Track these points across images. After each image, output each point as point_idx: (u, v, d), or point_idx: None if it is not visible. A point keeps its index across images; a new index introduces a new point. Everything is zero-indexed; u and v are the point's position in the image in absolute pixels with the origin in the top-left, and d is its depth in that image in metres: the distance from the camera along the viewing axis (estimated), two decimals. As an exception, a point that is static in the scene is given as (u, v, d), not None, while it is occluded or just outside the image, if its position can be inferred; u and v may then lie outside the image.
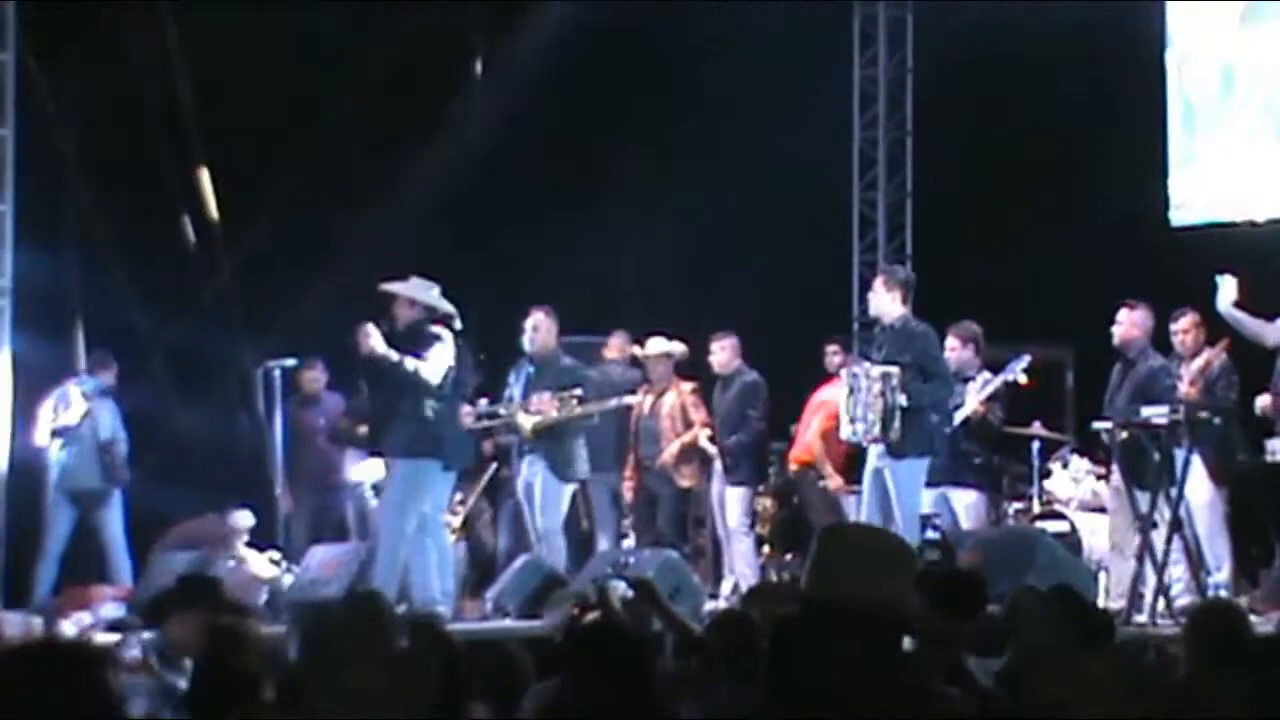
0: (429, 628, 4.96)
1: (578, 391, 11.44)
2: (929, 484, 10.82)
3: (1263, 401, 10.12)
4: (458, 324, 10.53)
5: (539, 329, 11.59)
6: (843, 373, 10.87)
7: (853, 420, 10.45)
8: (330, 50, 14.00)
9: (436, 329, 10.47)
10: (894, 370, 10.32)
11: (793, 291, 14.55)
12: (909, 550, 4.47)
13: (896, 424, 10.25)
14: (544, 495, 11.40)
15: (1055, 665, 4.58)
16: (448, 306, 10.53)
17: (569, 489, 11.58)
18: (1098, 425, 10.40)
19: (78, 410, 11.82)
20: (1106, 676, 4.42)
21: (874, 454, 10.47)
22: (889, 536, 4.37)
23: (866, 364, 10.55)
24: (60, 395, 11.89)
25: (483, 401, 11.83)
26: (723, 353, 12.23)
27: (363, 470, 11.96)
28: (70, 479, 11.79)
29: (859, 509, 10.77)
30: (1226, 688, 4.66)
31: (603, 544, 12.06)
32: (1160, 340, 10.68)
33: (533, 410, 11.39)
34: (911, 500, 10.38)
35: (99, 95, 13.66)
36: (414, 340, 10.41)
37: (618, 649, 4.90)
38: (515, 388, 11.66)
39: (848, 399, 10.51)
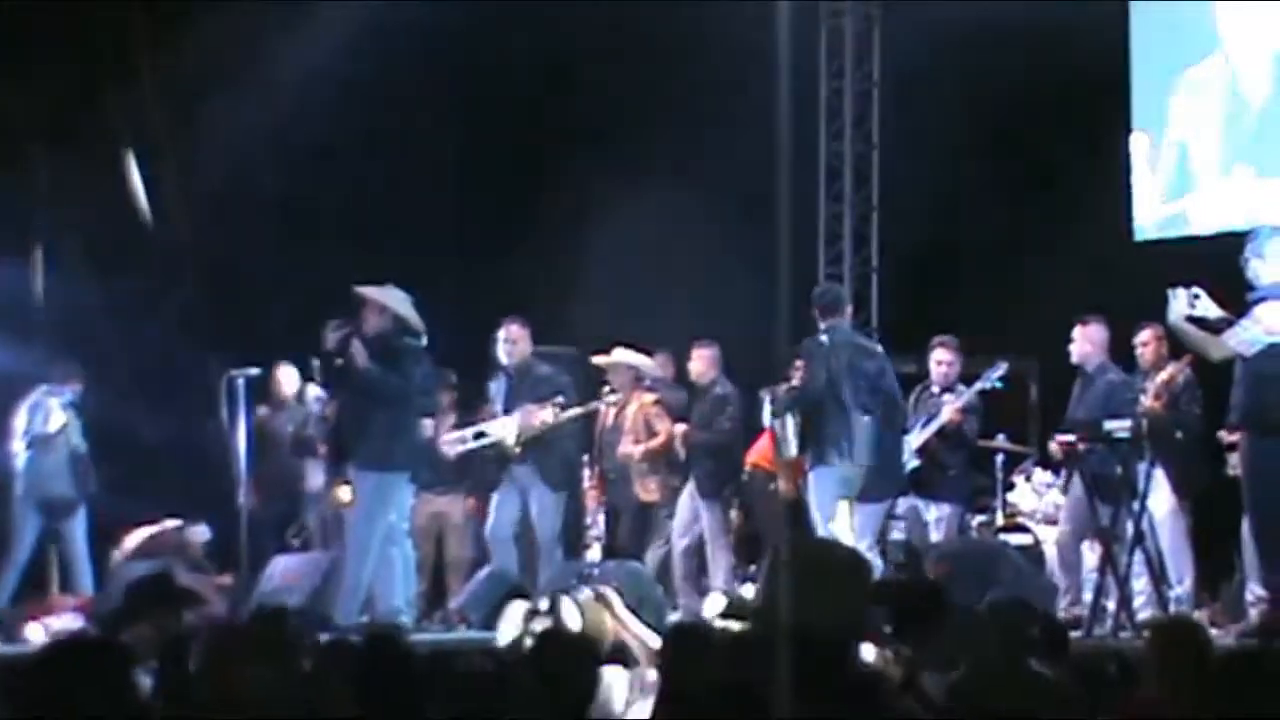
0: (389, 639, 4.96)
1: (559, 399, 11.42)
2: (901, 493, 10.94)
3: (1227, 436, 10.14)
4: (424, 340, 10.53)
5: (516, 340, 11.55)
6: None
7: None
8: (302, 54, 13.96)
9: (405, 340, 10.47)
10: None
11: (759, 300, 14.55)
12: (862, 564, 4.48)
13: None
14: (540, 508, 11.38)
15: (1007, 679, 4.59)
16: (418, 321, 10.52)
17: (562, 499, 11.57)
18: (1061, 438, 10.44)
19: (58, 420, 11.77)
20: (1060, 689, 4.43)
21: None
22: (841, 550, 4.38)
23: None
24: (33, 405, 11.82)
25: (462, 430, 11.87)
26: (699, 362, 12.21)
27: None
28: (41, 488, 11.74)
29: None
30: (1189, 703, 4.68)
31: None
32: (1124, 354, 10.72)
33: (523, 422, 11.36)
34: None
35: (63, 100, 13.61)
36: (380, 350, 10.40)
37: (559, 657, 4.91)
38: (497, 402, 11.63)
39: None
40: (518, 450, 11.37)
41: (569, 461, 11.71)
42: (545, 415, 11.34)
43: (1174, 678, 5.19)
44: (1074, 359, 10.68)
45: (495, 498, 11.55)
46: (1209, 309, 9.45)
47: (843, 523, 10.37)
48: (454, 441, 11.85)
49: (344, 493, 11.48)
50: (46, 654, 3.72)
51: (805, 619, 3.64)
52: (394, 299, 10.52)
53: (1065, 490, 11.04)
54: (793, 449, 10.72)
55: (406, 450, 10.40)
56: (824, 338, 10.58)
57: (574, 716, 4.62)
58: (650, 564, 11.90)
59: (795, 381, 10.81)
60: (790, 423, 10.70)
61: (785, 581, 3.77)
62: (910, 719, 4.06)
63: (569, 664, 4.82)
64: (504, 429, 11.42)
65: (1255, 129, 13.46)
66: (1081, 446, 10.21)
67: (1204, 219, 13.52)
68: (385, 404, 10.33)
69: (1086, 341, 10.65)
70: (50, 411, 11.76)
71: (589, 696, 4.71)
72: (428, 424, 11.14)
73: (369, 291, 10.50)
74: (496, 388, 11.66)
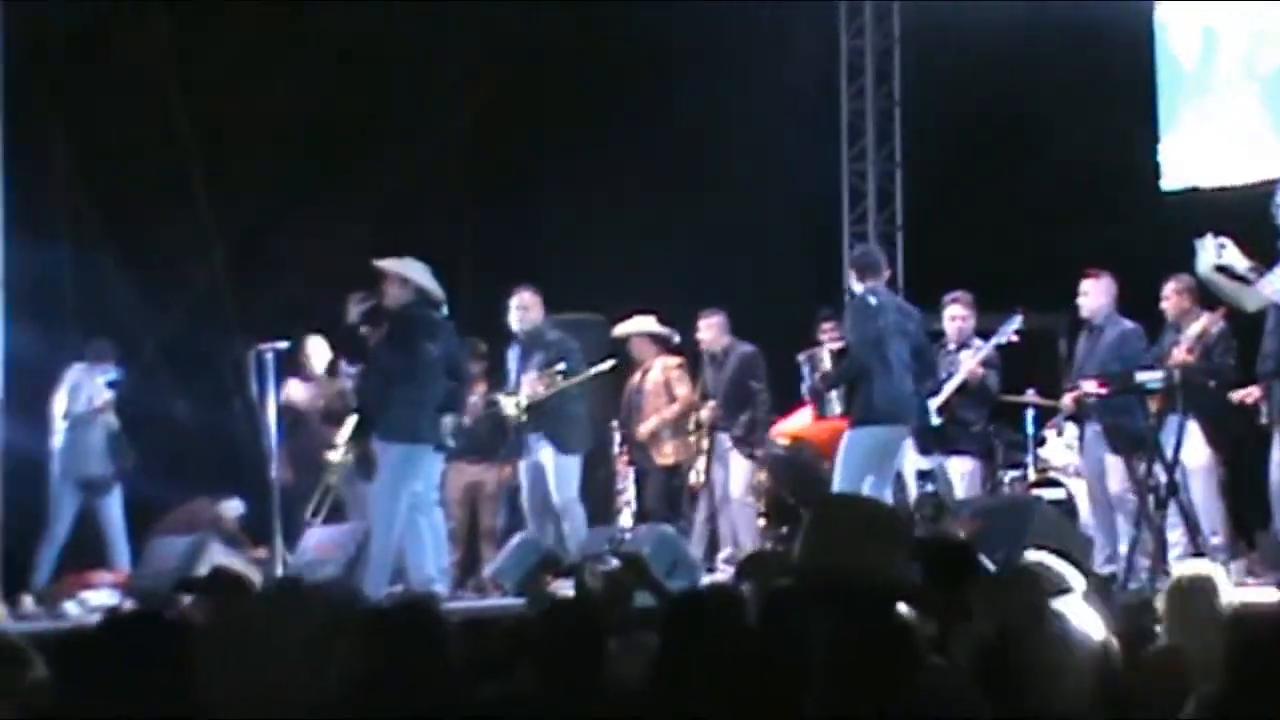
0: (421, 607, 4.97)
1: (561, 366, 11.44)
2: (924, 451, 10.91)
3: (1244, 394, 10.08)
4: (444, 310, 10.54)
5: (528, 307, 11.61)
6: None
7: None
8: (319, 40, 13.98)
9: (428, 311, 10.48)
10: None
11: (784, 267, 14.55)
12: (902, 521, 4.48)
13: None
14: (555, 471, 11.42)
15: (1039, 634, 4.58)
16: (439, 292, 10.53)
17: (576, 460, 11.59)
18: (1085, 388, 10.40)
19: (103, 397, 11.81)
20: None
21: None
22: (881, 508, 4.38)
23: None
24: (74, 385, 11.86)
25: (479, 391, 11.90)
26: (710, 330, 12.24)
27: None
28: (80, 466, 11.80)
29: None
30: (1201, 656, 4.67)
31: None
32: (1151, 306, 10.67)
33: (523, 392, 11.41)
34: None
35: (87, 83, 13.64)
36: (402, 321, 10.42)
37: (573, 624, 4.93)
38: (513, 370, 11.67)
39: None
40: (523, 419, 11.41)
41: (580, 423, 11.69)
42: (543, 384, 11.37)
43: (1188, 629, 5.19)
44: (1084, 312, 10.65)
45: (521, 468, 11.57)
46: (1236, 259, 9.40)
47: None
48: (470, 409, 11.89)
49: (333, 456, 11.50)
50: (104, 629, 3.71)
51: (847, 574, 3.65)
52: (414, 270, 10.53)
53: (1080, 445, 10.99)
54: (836, 408, 10.68)
55: (430, 421, 10.42)
56: (871, 299, 10.58)
57: (577, 685, 4.62)
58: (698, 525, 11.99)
59: (833, 346, 10.82)
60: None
61: (828, 538, 3.77)
62: (942, 676, 4.06)
63: (572, 633, 4.82)
64: (509, 398, 11.47)
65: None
66: (1100, 396, 10.18)
67: (1231, 170, 13.44)
68: (407, 376, 10.34)
69: (1098, 294, 10.62)
70: (95, 389, 11.79)
71: (592, 666, 4.70)
72: (473, 401, 11.22)
73: (389, 264, 10.51)
74: (513, 356, 11.70)
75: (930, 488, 11.14)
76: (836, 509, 4.16)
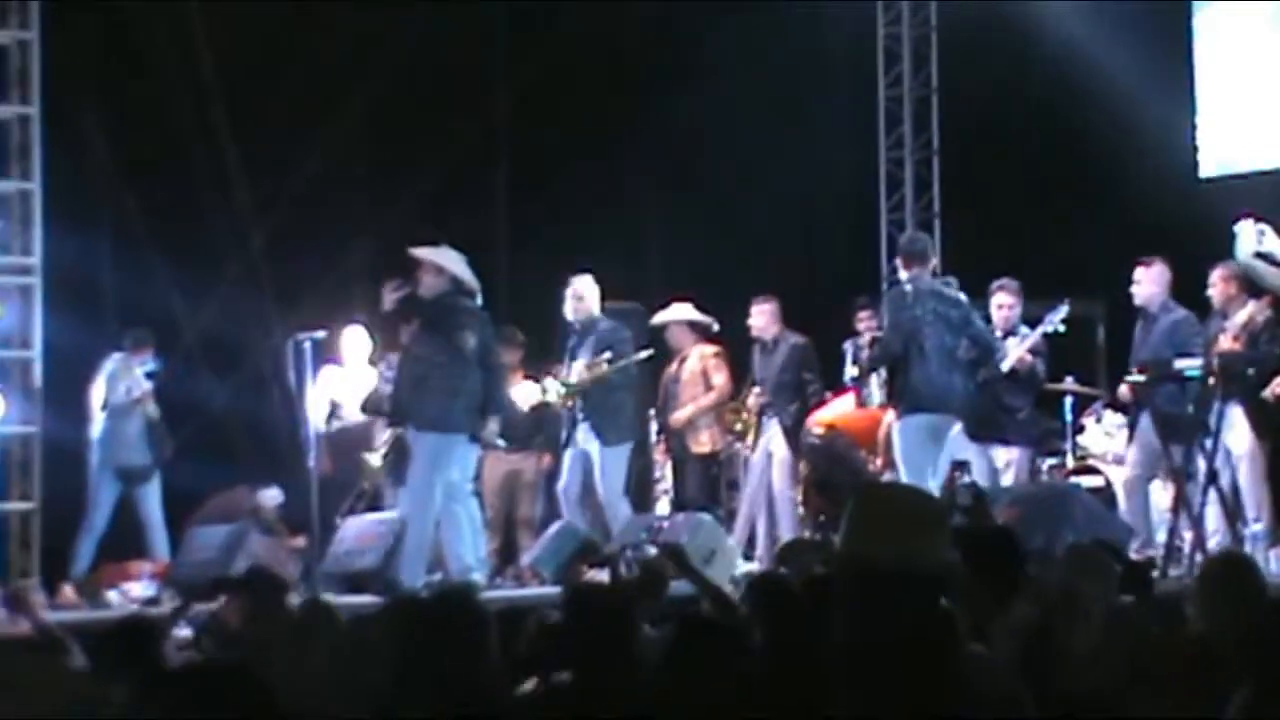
0: (461, 596, 4.98)
1: (607, 355, 11.45)
2: (973, 438, 10.89)
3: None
4: (479, 299, 10.55)
5: (583, 297, 11.61)
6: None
7: None
8: (355, 28, 14.00)
9: (463, 301, 10.49)
10: None
11: (823, 255, 14.54)
12: (942, 508, 4.48)
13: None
14: (601, 464, 11.44)
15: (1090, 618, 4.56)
16: (473, 281, 10.54)
17: (622, 452, 11.60)
18: (1129, 379, 10.38)
19: (141, 387, 11.84)
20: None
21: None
22: (923, 495, 4.36)
23: None
24: (111, 374, 11.90)
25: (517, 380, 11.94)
26: (761, 317, 12.20)
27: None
28: (118, 456, 11.84)
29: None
30: (1236, 641, 4.64)
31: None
32: (1189, 293, 10.63)
33: (570, 380, 11.43)
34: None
35: (125, 72, 13.70)
36: (438, 310, 10.43)
37: (602, 610, 4.94)
38: (567, 358, 11.70)
39: None
40: (568, 404, 11.41)
41: (624, 415, 11.71)
42: (588, 371, 11.39)
43: (1220, 613, 5.17)
44: (1138, 300, 10.60)
45: (566, 456, 11.60)
46: (1276, 246, 9.35)
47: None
48: (520, 397, 11.93)
49: (373, 459, 11.51)
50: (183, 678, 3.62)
51: (887, 562, 3.64)
52: (449, 259, 10.52)
53: (1131, 433, 10.93)
54: (877, 398, 10.70)
55: (465, 410, 10.42)
56: (907, 287, 10.57)
57: (607, 674, 4.63)
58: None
59: (874, 334, 10.83)
60: (876, 375, 10.67)
61: (870, 525, 3.75)
62: (982, 663, 4.04)
63: (600, 620, 4.84)
64: (554, 387, 11.51)
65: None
66: (1150, 385, 10.15)
67: (1270, 154, 13.37)
68: (441, 365, 10.35)
69: (1151, 282, 10.58)
70: (134, 379, 11.83)
71: (624, 654, 4.70)
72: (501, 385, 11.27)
73: (424, 253, 10.51)
74: (567, 345, 11.72)
75: (968, 479, 11.10)
76: (876, 497, 4.13)
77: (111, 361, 11.92)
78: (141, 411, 11.86)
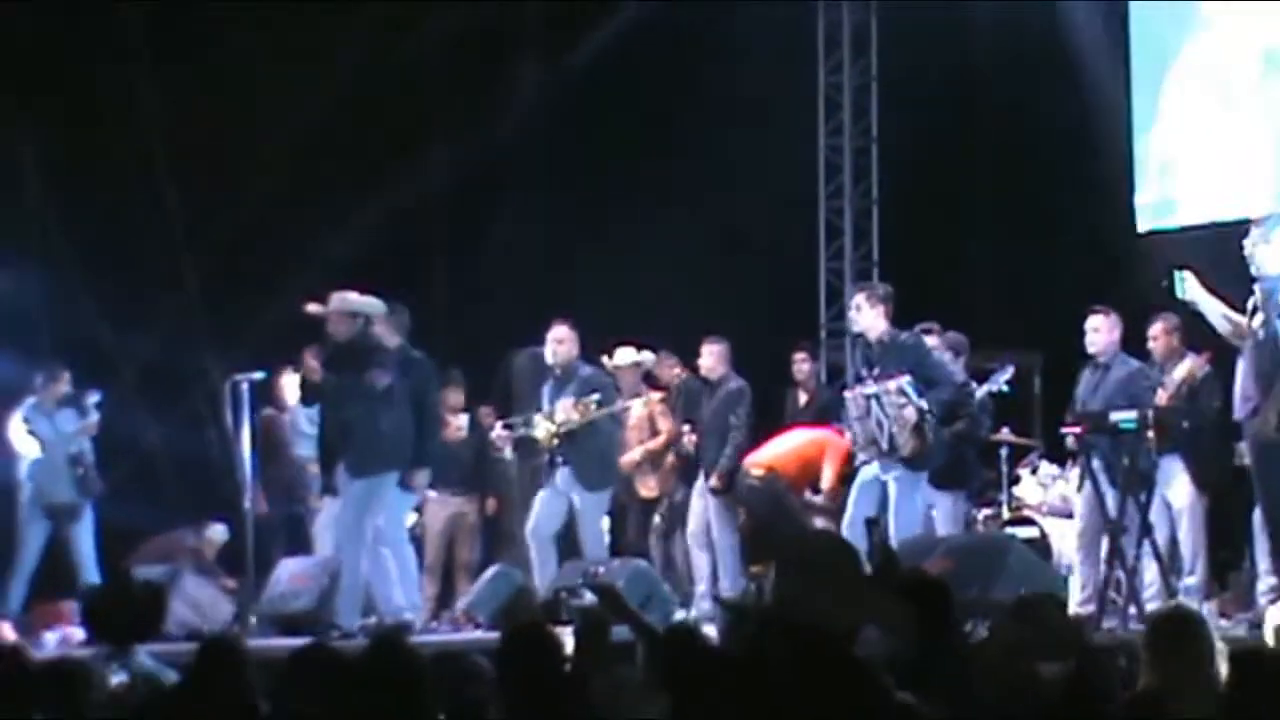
0: (392, 641, 4.96)
1: (595, 397, 11.37)
2: (937, 487, 10.89)
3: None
4: (405, 344, 10.53)
5: (563, 341, 11.48)
6: (848, 399, 10.75)
7: (872, 441, 10.45)
8: (299, 56, 13.97)
9: (381, 334, 10.49)
10: (905, 380, 10.33)
11: (760, 300, 14.56)
12: (854, 552, 4.50)
13: (928, 432, 10.31)
14: (579, 508, 11.30)
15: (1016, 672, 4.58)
16: (379, 304, 10.51)
17: (604, 497, 11.54)
18: (1065, 430, 10.42)
19: (79, 424, 11.72)
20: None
21: (876, 465, 10.51)
22: (834, 540, 4.39)
23: (871, 384, 10.50)
24: (29, 407, 11.77)
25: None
26: (710, 358, 12.10)
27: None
28: (44, 493, 11.72)
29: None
30: (1187, 694, 4.67)
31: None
32: (1136, 346, 10.67)
33: (557, 419, 11.33)
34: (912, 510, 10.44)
35: (62, 106, 13.63)
36: (349, 351, 10.42)
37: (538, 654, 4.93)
38: (545, 403, 11.58)
39: (859, 422, 10.49)
40: (555, 443, 11.31)
41: (605, 461, 11.62)
42: (578, 411, 11.29)
43: (1172, 669, 5.18)
44: (1092, 349, 10.54)
45: (540, 496, 11.43)
46: (1197, 294, 9.51)
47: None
48: (502, 437, 11.83)
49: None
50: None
51: (806, 614, 3.65)
52: (352, 301, 10.51)
53: (1080, 482, 10.89)
54: (882, 449, 10.55)
55: (390, 451, 10.40)
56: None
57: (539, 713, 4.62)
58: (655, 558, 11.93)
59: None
60: (906, 415, 10.41)
61: (784, 579, 3.78)
62: (912, 712, 4.05)
63: (533, 662, 4.83)
64: (542, 424, 11.40)
65: (1244, 119, 13.43)
66: (1077, 436, 10.21)
67: (1205, 208, 13.46)
68: (358, 406, 10.33)
69: (1110, 331, 10.55)
70: (57, 416, 11.72)
71: (557, 697, 4.70)
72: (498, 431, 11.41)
73: (326, 306, 10.49)
74: (545, 390, 11.60)
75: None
76: (797, 552, 4.15)
77: (30, 397, 11.80)
78: (70, 449, 11.71)
